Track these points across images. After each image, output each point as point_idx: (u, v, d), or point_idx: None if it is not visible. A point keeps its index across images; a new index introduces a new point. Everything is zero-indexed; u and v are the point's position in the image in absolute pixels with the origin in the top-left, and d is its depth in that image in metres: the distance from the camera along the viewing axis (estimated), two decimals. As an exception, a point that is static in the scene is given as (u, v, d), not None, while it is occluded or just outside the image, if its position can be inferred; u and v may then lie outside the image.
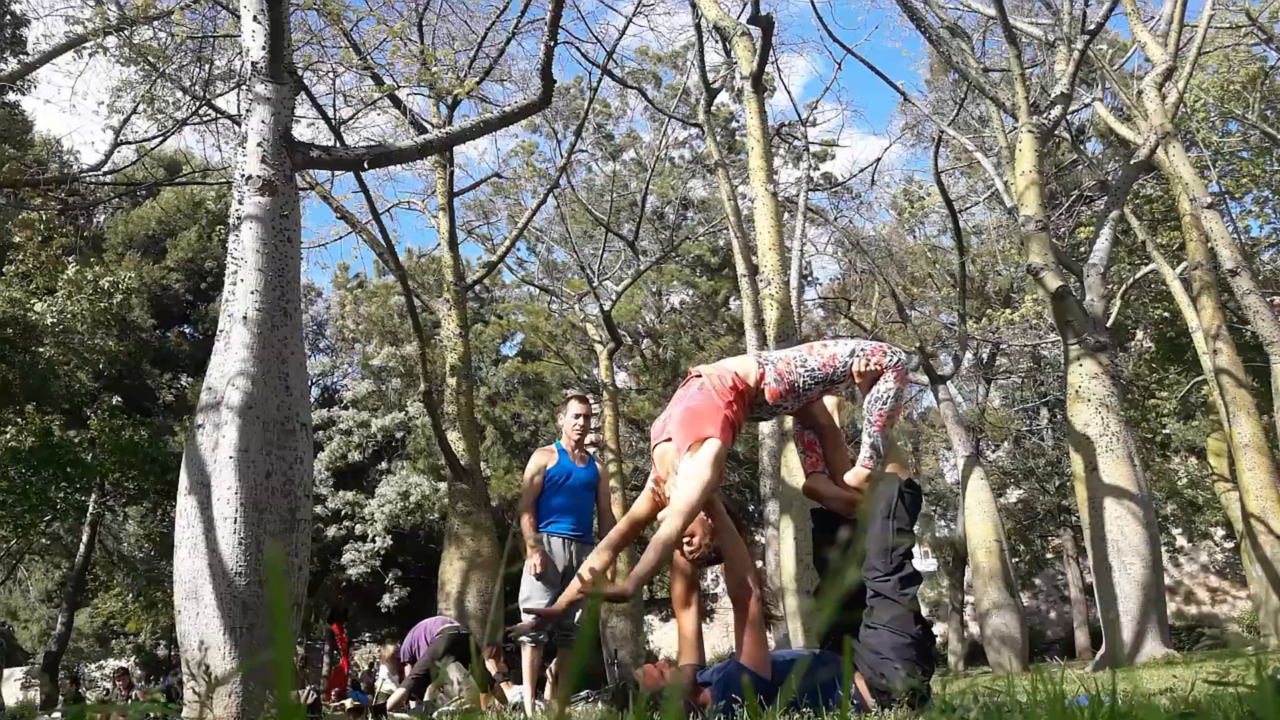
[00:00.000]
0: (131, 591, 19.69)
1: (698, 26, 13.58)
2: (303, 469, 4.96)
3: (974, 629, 21.63)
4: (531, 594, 5.22)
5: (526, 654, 5.21)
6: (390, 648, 11.14)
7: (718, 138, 16.53)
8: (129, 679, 13.70)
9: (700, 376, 3.25)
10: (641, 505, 3.25)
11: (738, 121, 19.70)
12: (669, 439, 3.11)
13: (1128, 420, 9.43)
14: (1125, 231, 15.77)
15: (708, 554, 3.09)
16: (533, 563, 5.18)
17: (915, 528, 3.23)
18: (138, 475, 13.04)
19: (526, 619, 5.24)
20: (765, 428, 11.41)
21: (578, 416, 5.52)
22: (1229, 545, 22.30)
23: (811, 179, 17.37)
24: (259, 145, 5.38)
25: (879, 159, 17.44)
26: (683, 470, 2.94)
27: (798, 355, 3.39)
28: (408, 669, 6.77)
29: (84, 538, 16.93)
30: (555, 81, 6.48)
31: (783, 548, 9.19)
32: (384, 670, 11.11)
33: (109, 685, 13.85)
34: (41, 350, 12.42)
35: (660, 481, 3.17)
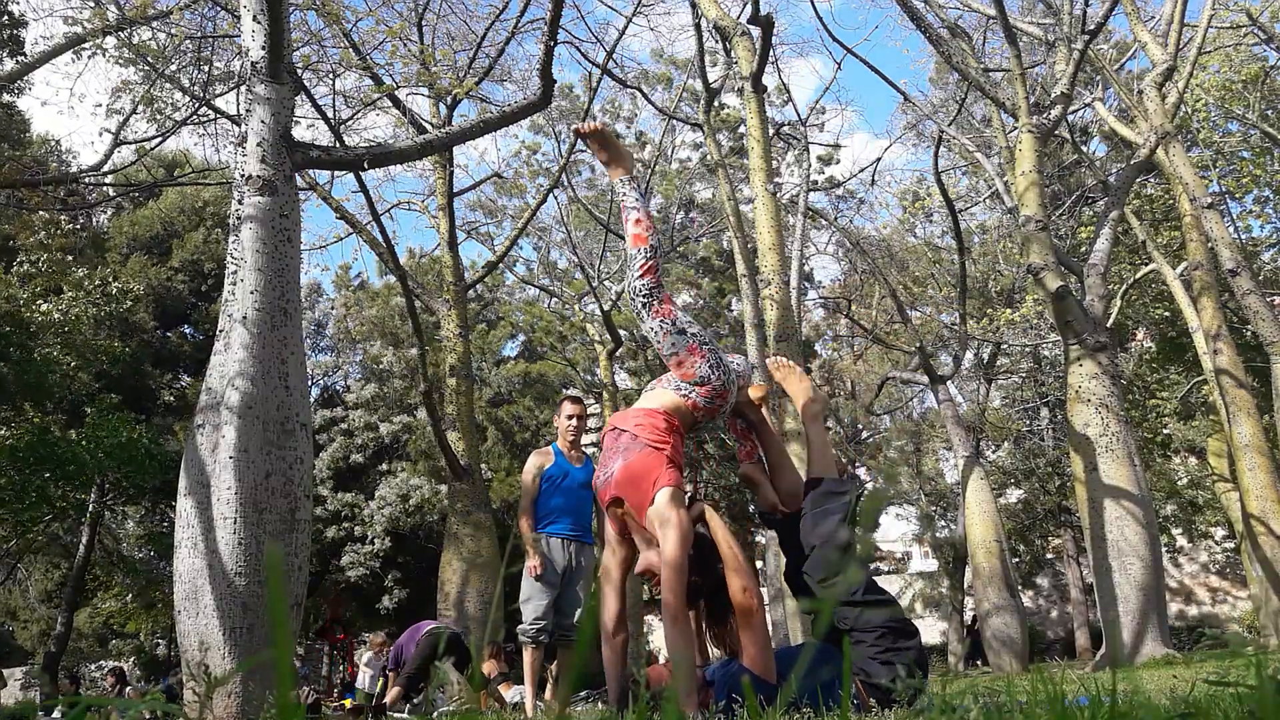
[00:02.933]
0: (131, 591, 19.69)
1: (697, 26, 13.57)
2: (303, 469, 4.96)
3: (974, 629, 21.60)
4: (531, 595, 5.23)
5: (527, 654, 5.22)
6: (379, 635, 11.06)
7: (725, 140, 16.54)
8: (124, 678, 13.69)
9: (624, 431, 3.22)
10: (614, 570, 3.24)
11: (741, 123, 19.71)
12: (617, 499, 3.13)
13: (1128, 420, 9.43)
14: (1126, 231, 15.77)
15: (696, 589, 3.08)
16: (532, 564, 5.18)
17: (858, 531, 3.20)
18: (136, 473, 13.03)
19: (527, 618, 5.25)
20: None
21: (571, 417, 5.53)
22: (1229, 545, 22.30)
23: (816, 182, 17.38)
24: (259, 145, 5.38)
25: (879, 159, 17.45)
26: (656, 526, 2.97)
27: (692, 363, 3.33)
28: (392, 674, 6.79)
29: (84, 538, 16.92)
30: (555, 81, 6.48)
31: (783, 548, 9.18)
32: (367, 655, 11.04)
33: (106, 685, 13.84)
34: (43, 349, 12.42)
35: (620, 534, 3.20)
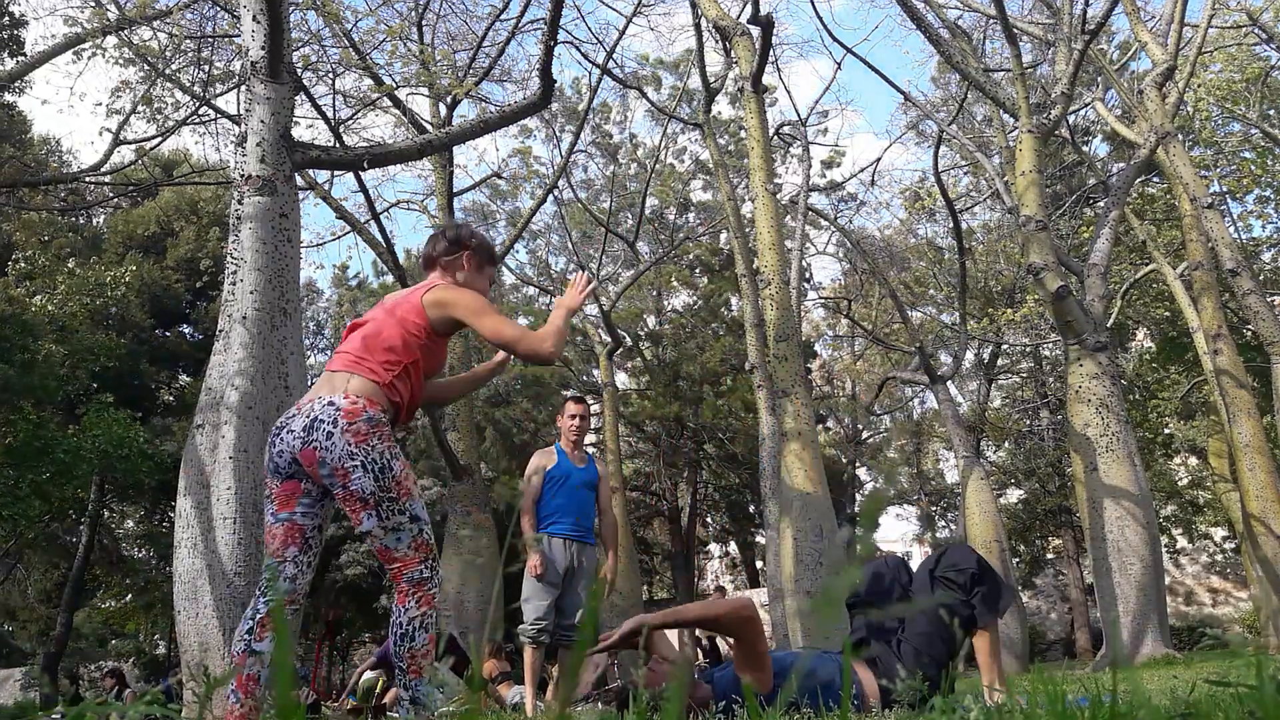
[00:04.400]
0: (131, 591, 19.69)
1: (697, 26, 13.58)
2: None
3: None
4: (532, 595, 5.22)
5: (528, 654, 5.21)
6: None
7: (722, 140, 16.53)
8: (123, 679, 13.65)
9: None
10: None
11: (742, 128, 19.71)
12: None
13: (1128, 420, 9.43)
14: (1127, 231, 15.78)
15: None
16: (532, 563, 5.18)
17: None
18: (131, 470, 13.02)
19: (528, 618, 5.24)
20: (765, 428, 11.40)
21: (574, 417, 5.52)
22: (1230, 546, 22.31)
23: (819, 186, 17.38)
24: (258, 145, 5.38)
25: (879, 159, 17.47)
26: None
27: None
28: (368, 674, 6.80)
29: (83, 537, 16.92)
30: (555, 81, 6.48)
31: (783, 548, 9.19)
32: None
33: (105, 686, 13.84)
34: (42, 346, 12.42)
35: None
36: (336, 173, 12.03)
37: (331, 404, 2.48)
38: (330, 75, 10.24)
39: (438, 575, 2.57)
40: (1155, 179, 17.50)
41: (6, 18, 11.63)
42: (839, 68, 15.30)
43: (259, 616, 2.51)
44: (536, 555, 5.18)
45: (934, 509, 26.75)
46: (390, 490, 2.48)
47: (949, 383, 14.72)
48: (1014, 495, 24.17)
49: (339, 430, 2.44)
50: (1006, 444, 23.80)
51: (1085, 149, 18.71)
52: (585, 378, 23.23)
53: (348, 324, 2.85)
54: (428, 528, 2.57)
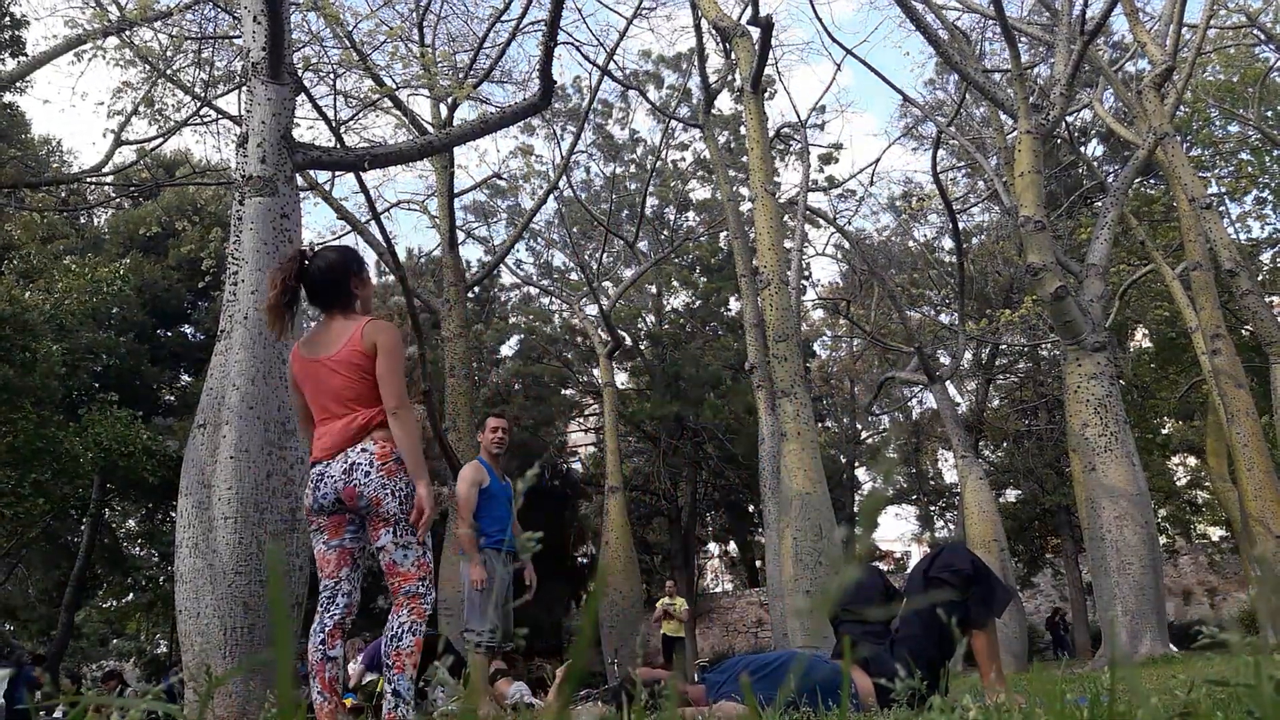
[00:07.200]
0: (132, 591, 19.68)
1: (698, 27, 13.59)
2: (303, 469, 4.96)
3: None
4: (482, 607, 5.05)
5: (482, 662, 5.11)
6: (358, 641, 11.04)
7: (723, 140, 16.52)
8: (121, 680, 13.65)
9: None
10: None
11: (742, 125, 19.71)
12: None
13: (1127, 420, 9.43)
14: (1125, 231, 15.77)
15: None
16: (478, 577, 5.01)
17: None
18: (133, 469, 12.99)
19: (480, 628, 5.13)
20: (764, 428, 11.39)
21: (495, 430, 5.55)
22: (1228, 546, 22.32)
23: (815, 181, 17.38)
24: (259, 146, 5.38)
25: (878, 159, 17.49)
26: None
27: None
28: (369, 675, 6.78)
29: (84, 537, 16.92)
30: (555, 82, 6.49)
31: (783, 548, 9.19)
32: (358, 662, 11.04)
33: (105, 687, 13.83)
34: (42, 346, 12.41)
35: None
36: (337, 173, 12.04)
37: (365, 450, 2.98)
38: (331, 76, 10.26)
39: (431, 593, 3.06)
40: (1154, 179, 17.49)
41: (7, 18, 11.62)
42: (838, 68, 15.33)
43: (328, 629, 3.05)
44: (480, 570, 5.05)
45: (933, 509, 26.75)
46: (408, 514, 2.98)
47: (947, 383, 14.73)
48: (1012, 495, 24.17)
49: (375, 470, 2.96)
50: (1005, 444, 23.80)
51: (1083, 150, 18.71)
52: (585, 378, 23.23)
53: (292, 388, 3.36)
54: (430, 553, 3.08)
